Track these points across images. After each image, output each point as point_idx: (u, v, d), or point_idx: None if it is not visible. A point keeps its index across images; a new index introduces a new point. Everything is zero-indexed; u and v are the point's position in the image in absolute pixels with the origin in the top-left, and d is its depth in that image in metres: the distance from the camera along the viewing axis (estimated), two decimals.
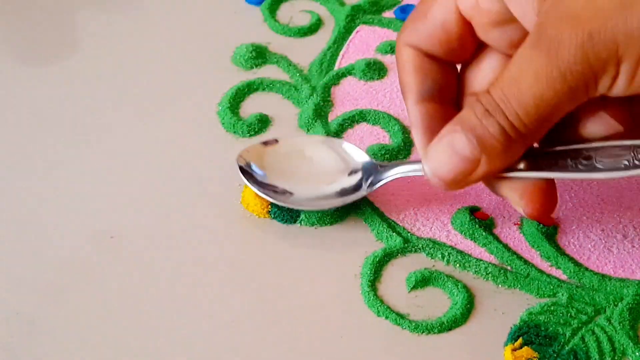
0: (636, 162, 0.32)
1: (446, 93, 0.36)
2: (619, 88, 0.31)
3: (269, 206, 0.38)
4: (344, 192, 0.38)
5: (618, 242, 0.37)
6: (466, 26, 0.35)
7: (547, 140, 0.34)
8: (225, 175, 0.40)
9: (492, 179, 0.35)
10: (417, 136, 0.36)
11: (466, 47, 0.36)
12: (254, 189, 0.38)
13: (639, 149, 0.32)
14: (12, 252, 0.37)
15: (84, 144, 0.42)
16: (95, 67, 0.45)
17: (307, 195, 0.38)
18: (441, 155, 0.33)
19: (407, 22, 0.36)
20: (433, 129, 0.35)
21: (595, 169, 0.33)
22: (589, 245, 0.37)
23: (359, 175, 0.38)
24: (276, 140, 0.40)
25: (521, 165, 0.34)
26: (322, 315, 0.35)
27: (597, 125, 0.33)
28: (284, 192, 0.38)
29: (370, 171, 0.38)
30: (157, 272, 0.37)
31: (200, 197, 0.39)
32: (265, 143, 0.40)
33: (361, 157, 0.39)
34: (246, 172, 0.38)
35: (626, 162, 0.32)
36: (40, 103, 0.44)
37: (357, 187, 0.38)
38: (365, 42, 0.47)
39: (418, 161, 0.36)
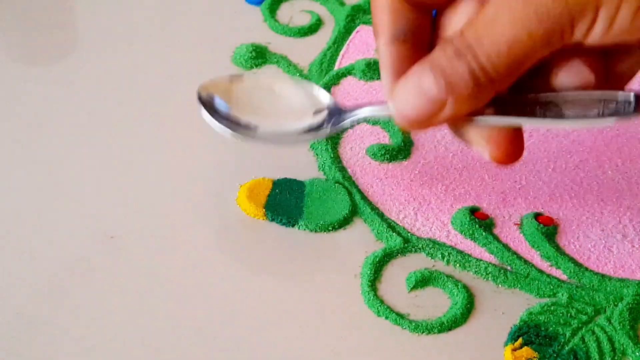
0: (604, 113, 0.32)
1: (420, 36, 0.35)
2: (596, 35, 0.30)
3: (264, 209, 0.38)
4: (308, 130, 0.37)
5: (618, 242, 0.37)
6: None
7: (517, 89, 0.33)
8: (226, 176, 0.40)
9: (458, 122, 0.34)
10: (385, 76, 0.35)
11: None
12: (212, 123, 0.36)
13: (608, 101, 0.32)
14: (13, 252, 0.37)
15: (84, 144, 0.42)
16: (95, 67, 0.45)
17: (272, 130, 0.36)
18: (408, 94, 0.32)
19: None
20: (403, 71, 0.34)
21: (563, 117, 0.32)
22: (589, 245, 0.37)
23: (324, 115, 0.37)
24: (243, 75, 0.38)
25: (489, 110, 0.33)
26: (322, 315, 0.35)
27: (569, 75, 0.33)
28: (248, 126, 0.36)
29: (336, 112, 0.36)
30: (157, 272, 0.37)
31: (200, 197, 0.39)
32: (232, 77, 0.38)
33: (328, 99, 0.37)
34: (207, 104, 0.36)
35: (594, 112, 0.32)
36: (40, 103, 0.44)
37: (321, 125, 0.37)
38: (365, 42, 0.47)
39: (384, 102, 0.34)
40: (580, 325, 0.35)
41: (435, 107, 0.32)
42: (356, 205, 0.39)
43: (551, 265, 0.37)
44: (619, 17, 0.30)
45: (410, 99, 0.32)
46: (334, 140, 0.42)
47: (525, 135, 0.42)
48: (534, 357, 0.34)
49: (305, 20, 0.48)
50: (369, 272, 0.36)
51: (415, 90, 0.32)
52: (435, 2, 0.35)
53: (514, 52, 0.31)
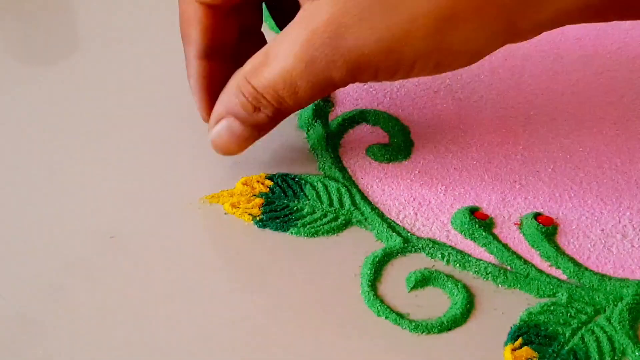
0: None
1: (227, 50, 0.39)
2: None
3: (260, 209, 0.39)
4: None
5: (618, 242, 0.37)
6: None
7: None
8: (225, 176, 0.40)
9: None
10: (195, 90, 0.40)
11: None
12: None
13: None
14: (13, 252, 0.37)
15: (83, 144, 0.42)
16: (95, 67, 0.45)
17: None
18: (222, 136, 0.38)
19: None
20: (211, 85, 0.39)
21: None
22: (589, 245, 0.37)
23: None
24: None
25: None
26: (322, 315, 0.35)
27: None
28: None
29: None
30: (157, 272, 0.37)
31: (200, 196, 0.39)
32: None
33: None
34: None
35: None
36: (41, 103, 0.44)
37: None
38: None
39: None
40: (580, 325, 0.35)
41: (249, 141, 0.38)
42: (356, 205, 0.39)
43: (551, 265, 0.37)
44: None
45: (226, 140, 0.38)
46: (334, 140, 0.42)
47: (525, 136, 0.42)
48: (534, 357, 0.34)
49: None
50: (368, 272, 0.36)
51: (227, 133, 0.38)
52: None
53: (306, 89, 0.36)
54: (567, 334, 0.34)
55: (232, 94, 0.38)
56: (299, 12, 0.36)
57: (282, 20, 0.40)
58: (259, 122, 0.38)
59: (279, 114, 0.37)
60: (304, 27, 0.35)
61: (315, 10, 0.35)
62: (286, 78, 0.36)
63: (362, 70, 0.35)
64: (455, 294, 0.36)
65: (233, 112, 0.38)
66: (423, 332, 0.35)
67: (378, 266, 0.37)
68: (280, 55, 0.36)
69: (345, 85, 0.36)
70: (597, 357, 0.34)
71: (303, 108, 0.38)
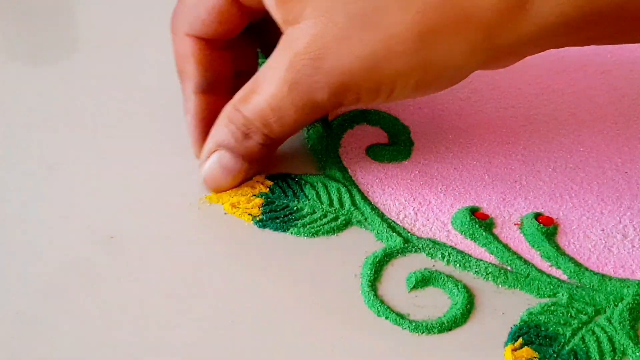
0: None
1: (223, 84, 0.40)
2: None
3: (260, 209, 0.39)
4: None
5: (618, 242, 0.37)
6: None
7: None
8: None
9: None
10: (191, 126, 0.40)
11: (235, 20, 0.38)
12: None
13: None
14: (13, 252, 0.37)
15: (84, 144, 0.42)
16: (95, 67, 0.45)
17: None
18: (213, 171, 0.38)
19: (178, 8, 0.39)
20: (208, 120, 0.39)
21: None
22: (589, 245, 0.37)
23: None
24: None
25: None
26: (322, 316, 0.35)
27: None
28: None
29: None
30: (157, 272, 0.37)
31: (200, 196, 0.39)
32: None
33: None
34: None
35: None
36: (40, 103, 0.44)
37: None
38: None
39: None
40: (580, 325, 0.35)
41: (238, 176, 0.39)
42: (356, 205, 0.39)
43: (551, 265, 0.37)
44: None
45: (217, 174, 0.38)
46: (334, 140, 0.42)
47: (525, 136, 0.42)
48: (534, 357, 0.34)
49: None
50: (369, 272, 0.36)
51: (218, 167, 0.38)
52: (233, 32, 0.39)
53: (290, 122, 0.36)
54: (568, 334, 0.34)
55: (222, 125, 0.38)
56: (281, 37, 0.36)
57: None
58: (250, 151, 0.38)
59: (268, 142, 0.37)
60: (287, 51, 0.35)
61: (296, 34, 0.35)
62: (271, 103, 0.36)
63: (344, 90, 0.35)
64: (455, 294, 0.36)
65: (223, 143, 0.38)
66: (423, 332, 0.35)
67: (378, 266, 0.37)
68: (266, 81, 0.36)
69: (331, 109, 0.36)
70: (597, 357, 0.34)
71: (292, 134, 0.38)
